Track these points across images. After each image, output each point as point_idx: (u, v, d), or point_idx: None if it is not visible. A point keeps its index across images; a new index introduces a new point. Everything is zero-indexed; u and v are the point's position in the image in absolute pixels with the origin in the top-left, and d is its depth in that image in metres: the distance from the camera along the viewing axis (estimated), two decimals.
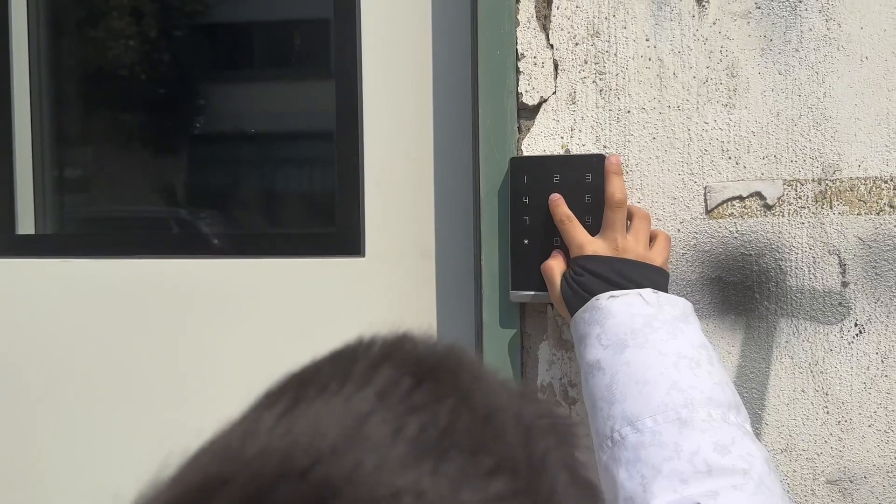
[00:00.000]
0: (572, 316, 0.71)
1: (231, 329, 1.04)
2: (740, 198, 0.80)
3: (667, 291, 0.71)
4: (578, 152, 0.82)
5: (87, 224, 1.25)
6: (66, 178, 1.22)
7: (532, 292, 0.82)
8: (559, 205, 0.76)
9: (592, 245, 0.73)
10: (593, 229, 0.79)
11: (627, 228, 0.75)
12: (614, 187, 0.74)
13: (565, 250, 0.79)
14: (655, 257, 0.73)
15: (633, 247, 0.72)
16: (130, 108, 1.23)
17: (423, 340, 0.28)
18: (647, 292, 0.67)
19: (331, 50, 1.06)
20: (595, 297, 0.68)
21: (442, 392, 0.24)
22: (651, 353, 0.62)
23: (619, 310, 0.66)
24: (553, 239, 0.82)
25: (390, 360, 0.25)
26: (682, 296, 0.78)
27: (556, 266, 0.75)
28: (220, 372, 1.03)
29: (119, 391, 1.07)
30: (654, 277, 0.71)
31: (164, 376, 1.06)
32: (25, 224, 1.16)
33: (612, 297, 0.67)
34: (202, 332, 1.04)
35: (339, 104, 1.02)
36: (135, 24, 1.19)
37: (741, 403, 0.63)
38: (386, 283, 1.01)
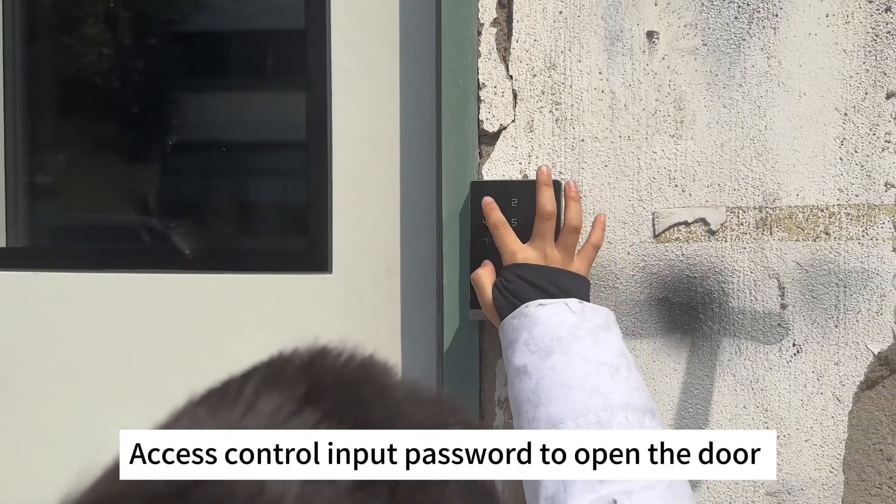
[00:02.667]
0: (501, 321, 0.76)
1: (201, 344, 1.07)
2: (686, 223, 0.84)
3: (588, 300, 0.76)
4: (535, 179, 0.87)
5: (59, 235, 1.27)
6: (37, 187, 1.23)
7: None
8: (492, 210, 0.81)
9: (524, 253, 0.77)
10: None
11: (557, 239, 0.79)
12: (545, 200, 0.78)
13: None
14: (580, 267, 0.77)
15: (559, 257, 0.76)
16: (104, 117, 1.25)
17: (336, 356, 0.31)
18: (573, 302, 0.72)
19: (303, 63, 1.09)
20: (524, 305, 0.73)
21: (334, 410, 0.27)
22: (575, 360, 0.67)
23: (546, 317, 0.70)
24: None
25: (281, 385, 0.28)
26: (630, 315, 0.82)
27: (484, 275, 0.79)
28: (187, 386, 1.05)
29: (88, 405, 1.09)
30: (580, 285, 0.75)
31: (133, 390, 1.07)
32: None
33: (540, 305, 0.72)
34: (171, 348, 1.07)
35: (310, 122, 1.05)
36: (108, 32, 1.21)
37: (656, 409, 0.67)
38: (352, 300, 1.04)
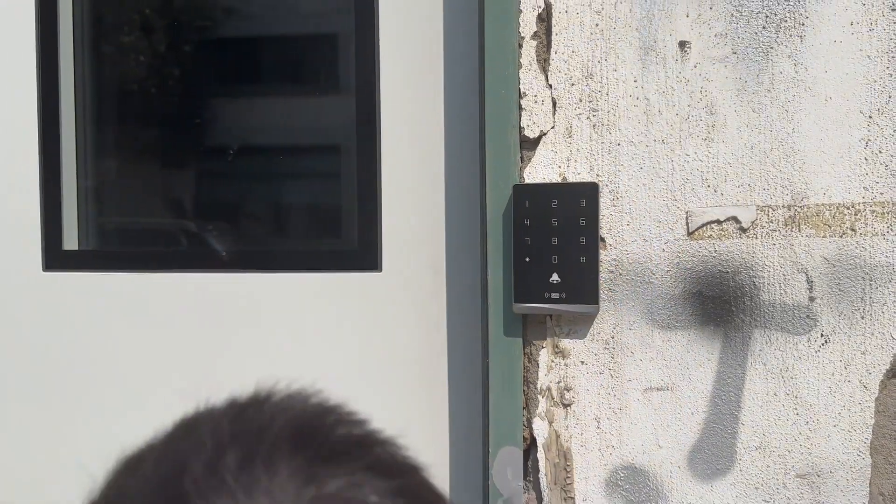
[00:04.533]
0: None
1: (260, 338, 1.14)
2: (718, 221, 0.89)
3: None
4: (574, 180, 0.92)
5: (119, 238, 1.35)
6: (104, 193, 1.32)
7: (533, 304, 0.92)
8: None
9: None
10: (587, 250, 0.89)
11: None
12: None
13: (563, 269, 0.89)
14: None
15: None
16: (162, 125, 1.34)
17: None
18: None
19: (347, 68, 1.16)
20: None
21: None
22: None
23: None
24: (551, 257, 0.92)
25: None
26: (665, 308, 0.87)
27: None
28: (247, 381, 1.13)
29: (148, 397, 1.17)
30: None
31: (192, 385, 1.16)
32: (70, 240, 1.26)
33: None
34: (232, 343, 1.15)
35: (359, 130, 1.12)
36: (162, 42, 1.30)
37: None
38: (401, 296, 1.11)
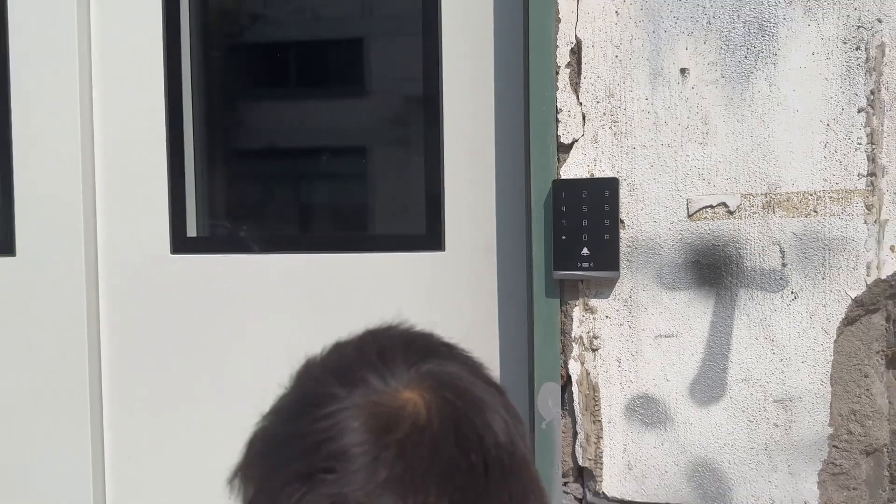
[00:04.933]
0: None
1: (347, 306, 1.43)
2: (711, 206, 1.16)
3: None
4: (599, 176, 1.20)
5: (238, 224, 1.65)
6: (217, 188, 1.63)
7: (568, 272, 1.20)
8: None
9: None
10: (610, 230, 1.17)
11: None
12: None
13: (591, 244, 1.17)
14: None
15: None
16: (271, 126, 1.64)
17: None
18: None
19: (416, 84, 1.45)
20: None
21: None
22: None
23: None
24: (582, 235, 1.19)
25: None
26: (671, 274, 1.14)
27: None
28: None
29: (268, 355, 1.47)
30: None
31: (305, 342, 1.45)
32: (191, 228, 1.56)
33: None
34: (330, 307, 1.44)
35: (427, 139, 1.41)
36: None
37: None
38: (461, 271, 1.39)
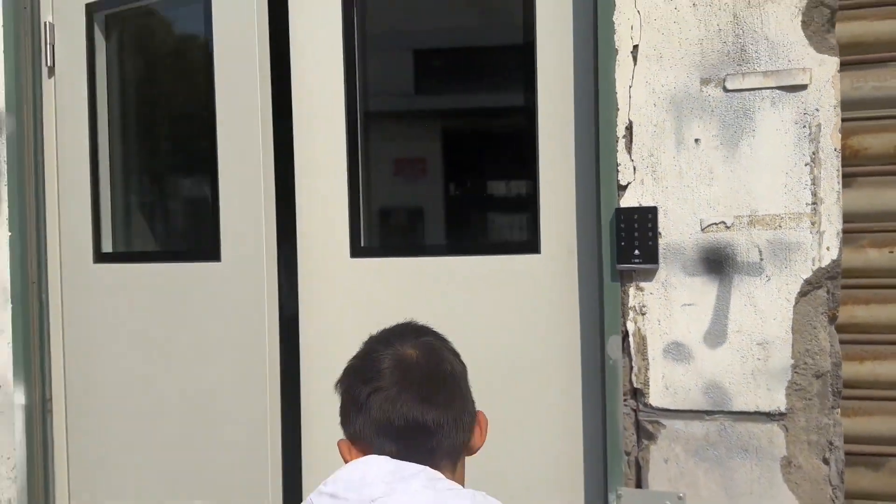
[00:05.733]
0: None
1: (461, 304, 2.16)
2: (715, 223, 1.87)
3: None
4: (645, 205, 1.91)
5: (388, 235, 2.40)
6: (378, 203, 2.38)
7: (626, 265, 1.91)
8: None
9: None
10: (652, 238, 1.89)
11: None
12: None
13: (640, 247, 1.88)
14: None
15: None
16: (399, 143, 2.38)
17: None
18: None
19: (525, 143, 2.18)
20: None
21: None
22: None
23: None
24: (634, 242, 1.91)
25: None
26: (691, 266, 1.86)
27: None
28: (470, 338, 2.15)
29: None
30: None
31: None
32: (364, 238, 2.31)
33: None
34: (454, 302, 2.17)
35: (524, 162, 2.13)
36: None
37: None
38: (551, 270, 2.11)
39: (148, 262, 2.44)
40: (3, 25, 2.44)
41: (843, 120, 1.84)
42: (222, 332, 2.23)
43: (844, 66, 1.86)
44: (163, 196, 2.77)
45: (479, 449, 1.09)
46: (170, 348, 2.36)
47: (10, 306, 2.45)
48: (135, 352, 2.42)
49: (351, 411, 1.02)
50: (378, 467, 0.95)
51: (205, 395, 2.30)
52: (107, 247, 2.58)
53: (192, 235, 2.70)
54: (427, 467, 0.96)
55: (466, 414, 1.05)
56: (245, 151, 2.22)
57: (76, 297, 2.56)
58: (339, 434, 1.06)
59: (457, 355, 1.11)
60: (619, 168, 1.93)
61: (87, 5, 2.55)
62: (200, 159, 2.34)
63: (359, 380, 1.03)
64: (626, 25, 1.91)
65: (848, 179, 1.93)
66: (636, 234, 1.91)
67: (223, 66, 2.24)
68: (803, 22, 1.81)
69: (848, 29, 2.00)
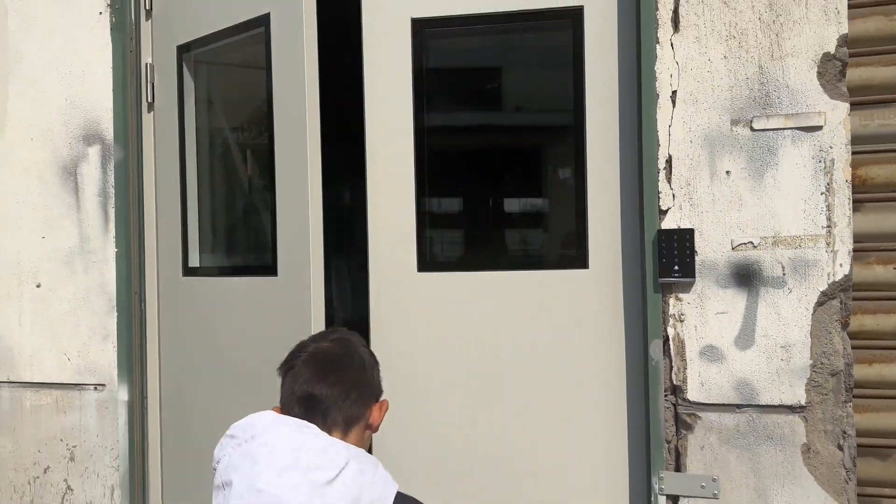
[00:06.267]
0: None
1: (518, 313, 2.48)
2: (744, 244, 2.19)
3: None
4: (683, 227, 2.23)
5: (451, 250, 2.72)
6: (442, 222, 2.70)
7: (667, 278, 2.23)
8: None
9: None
10: (690, 256, 2.20)
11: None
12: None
13: (680, 263, 2.20)
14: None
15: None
16: (483, 173, 2.71)
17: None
18: None
19: (572, 157, 2.50)
20: None
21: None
22: None
23: None
24: (674, 258, 2.22)
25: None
26: (724, 279, 2.18)
27: None
28: (526, 342, 2.46)
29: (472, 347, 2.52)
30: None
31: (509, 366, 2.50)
32: (431, 252, 2.63)
33: None
34: (504, 310, 2.48)
35: (577, 194, 2.46)
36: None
37: None
38: (599, 283, 2.43)
39: (227, 276, 2.75)
40: (113, 69, 2.79)
41: (853, 153, 2.16)
42: (277, 339, 2.54)
43: (854, 105, 2.19)
44: (242, 215, 3.10)
45: (377, 427, 1.41)
46: (236, 356, 2.66)
47: (115, 314, 2.77)
48: (210, 357, 2.74)
49: (281, 386, 1.39)
50: (262, 417, 1.31)
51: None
52: (193, 261, 2.90)
53: (259, 251, 2.99)
54: (304, 421, 1.31)
55: (355, 391, 1.37)
56: (295, 175, 2.47)
57: (169, 306, 2.88)
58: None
59: (368, 351, 1.46)
60: (660, 195, 2.25)
61: (178, 47, 2.90)
62: (266, 182, 2.64)
63: (285, 364, 1.40)
64: (665, 74, 2.24)
65: (857, 204, 2.25)
66: (675, 251, 2.22)
67: (279, 99, 2.56)
68: (819, 73, 2.13)
69: (857, 74, 2.32)
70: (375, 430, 1.41)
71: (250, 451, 1.24)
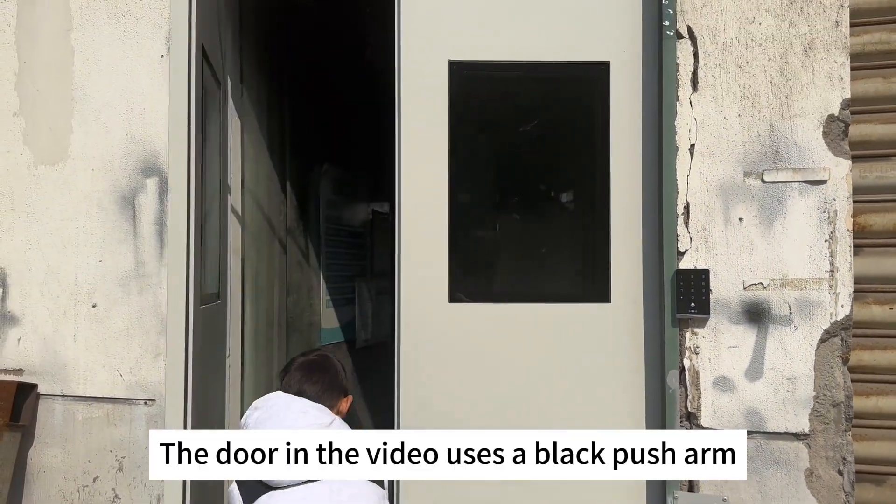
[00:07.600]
0: None
1: (542, 342, 2.69)
2: (754, 284, 2.41)
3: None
4: (699, 268, 2.45)
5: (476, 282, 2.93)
6: (473, 252, 2.91)
7: (684, 314, 2.44)
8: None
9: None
10: (704, 294, 2.43)
11: None
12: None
13: (696, 301, 2.42)
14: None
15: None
16: (522, 196, 2.93)
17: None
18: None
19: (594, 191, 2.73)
20: None
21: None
22: None
23: None
24: (691, 296, 2.44)
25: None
26: (736, 315, 2.40)
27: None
28: (551, 369, 2.67)
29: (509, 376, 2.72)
30: None
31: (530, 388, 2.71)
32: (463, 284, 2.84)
33: None
34: (532, 344, 2.69)
35: (598, 240, 2.67)
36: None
37: None
38: (620, 317, 2.64)
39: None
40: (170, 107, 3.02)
41: (854, 202, 2.39)
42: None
43: (854, 158, 2.42)
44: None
45: (344, 414, 2.00)
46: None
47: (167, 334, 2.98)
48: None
49: (280, 383, 1.99)
50: (277, 395, 1.93)
51: None
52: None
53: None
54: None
55: (331, 389, 1.97)
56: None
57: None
58: None
59: (342, 364, 2.09)
60: (678, 238, 2.48)
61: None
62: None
63: (283, 370, 2.02)
64: (685, 129, 2.48)
65: (856, 249, 2.48)
66: (692, 290, 2.44)
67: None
68: (824, 132, 2.37)
69: (858, 130, 2.56)
70: (343, 416, 1.99)
71: (273, 412, 1.87)
